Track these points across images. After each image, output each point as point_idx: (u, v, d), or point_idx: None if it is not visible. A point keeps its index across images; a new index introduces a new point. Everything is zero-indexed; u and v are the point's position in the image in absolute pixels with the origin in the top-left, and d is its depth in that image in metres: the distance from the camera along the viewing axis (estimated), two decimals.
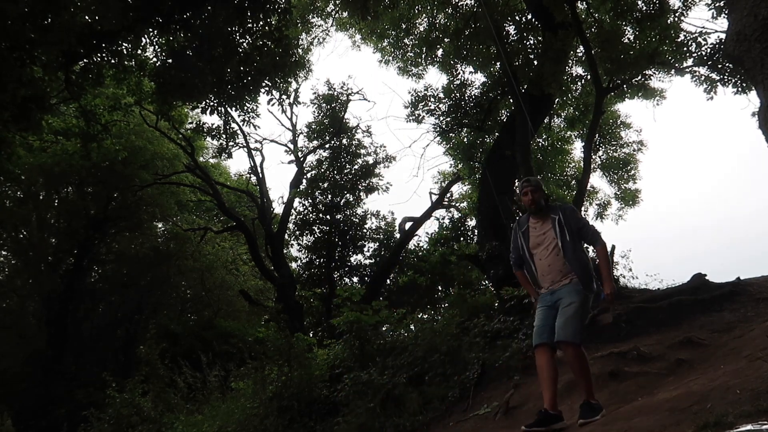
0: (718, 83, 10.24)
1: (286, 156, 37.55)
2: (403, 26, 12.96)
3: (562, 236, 3.84)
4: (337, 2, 12.56)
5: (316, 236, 16.50)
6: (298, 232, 16.84)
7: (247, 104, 9.16)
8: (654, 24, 9.97)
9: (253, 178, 17.73)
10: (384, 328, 8.31)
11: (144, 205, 18.41)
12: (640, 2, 9.84)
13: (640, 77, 11.51)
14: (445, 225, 16.63)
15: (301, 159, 17.37)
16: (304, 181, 16.96)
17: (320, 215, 16.59)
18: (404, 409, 6.14)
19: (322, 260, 16.29)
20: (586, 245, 4.12)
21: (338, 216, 16.46)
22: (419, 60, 13.58)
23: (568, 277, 3.84)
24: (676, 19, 10.36)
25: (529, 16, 11.17)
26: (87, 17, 7.10)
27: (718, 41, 9.69)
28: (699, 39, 10.15)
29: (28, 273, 17.98)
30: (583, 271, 3.83)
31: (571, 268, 3.81)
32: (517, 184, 12.29)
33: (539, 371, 3.84)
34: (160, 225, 21.11)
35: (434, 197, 16.68)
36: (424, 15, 13.13)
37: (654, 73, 11.71)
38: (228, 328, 17.43)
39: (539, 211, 4.02)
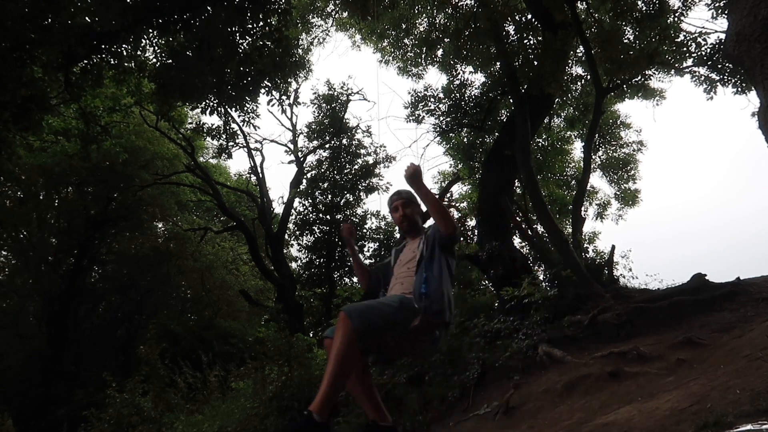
0: (718, 83, 10.24)
1: (286, 156, 37.58)
2: (403, 26, 12.97)
3: (423, 252, 2.97)
4: (337, 2, 12.57)
5: (316, 236, 16.51)
6: (298, 232, 16.85)
7: (247, 104, 9.16)
8: (654, 24, 9.98)
9: (253, 178, 17.73)
10: None
11: (144, 205, 18.42)
12: (640, 2, 9.84)
13: (640, 77, 11.52)
14: None
15: (301, 159, 17.38)
16: (304, 181, 16.96)
17: (320, 215, 16.59)
18: (404, 409, 6.14)
19: (322, 260, 16.30)
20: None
21: (338, 216, 16.46)
22: (419, 60, 13.59)
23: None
24: (676, 19, 10.37)
25: (529, 16, 11.17)
26: (87, 18, 7.11)
27: (717, 41, 9.69)
28: (699, 39, 10.16)
29: (29, 273, 17.99)
30: (435, 295, 2.79)
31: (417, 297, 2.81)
32: (518, 184, 12.34)
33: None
34: (160, 225, 21.13)
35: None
36: (424, 15, 13.13)
37: (654, 73, 11.73)
38: (228, 328, 17.44)
39: (412, 230, 3.22)
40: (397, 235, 16.84)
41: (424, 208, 3.29)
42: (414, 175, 2.96)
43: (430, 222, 3.60)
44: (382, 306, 2.66)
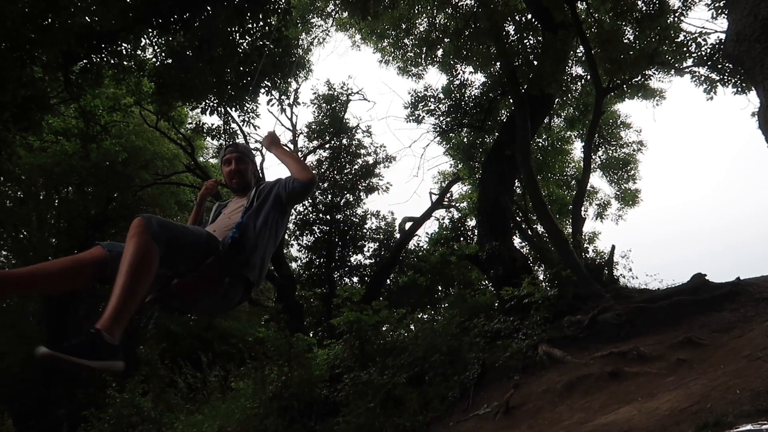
0: (718, 83, 10.25)
1: None
2: (403, 26, 12.97)
3: (252, 202, 2.67)
4: (337, 2, 12.57)
5: (316, 236, 16.51)
6: (298, 232, 16.84)
7: (246, 104, 9.16)
8: (654, 24, 9.98)
9: None
10: (384, 328, 8.31)
11: (144, 205, 18.39)
12: (640, 2, 9.84)
13: (639, 77, 11.52)
14: (445, 225, 16.62)
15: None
16: None
17: (320, 215, 16.59)
18: (404, 409, 6.15)
19: (322, 260, 16.29)
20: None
21: (338, 216, 16.46)
22: (419, 60, 13.59)
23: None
24: (676, 19, 10.37)
25: (529, 16, 11.17)
26: (87, 18, 7.10)
27: (717, 41, 9.69)
28: (699, 39, 10.16)
29: None
30: (247, 244, 2.46)
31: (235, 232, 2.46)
32: (518, 183, 12.34)
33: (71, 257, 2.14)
34: None
35: (434, 197, 16.68)
36: (424, 15, 13.13)
37: (654, 73, 11.73)
38: (228, 328, 17.43)
39: (241, 188, 2.87)
40: (397, 235, 16.86)
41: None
42: (272, 138, 2.85)
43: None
44: (185, 228, 2.28)
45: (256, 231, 2.53)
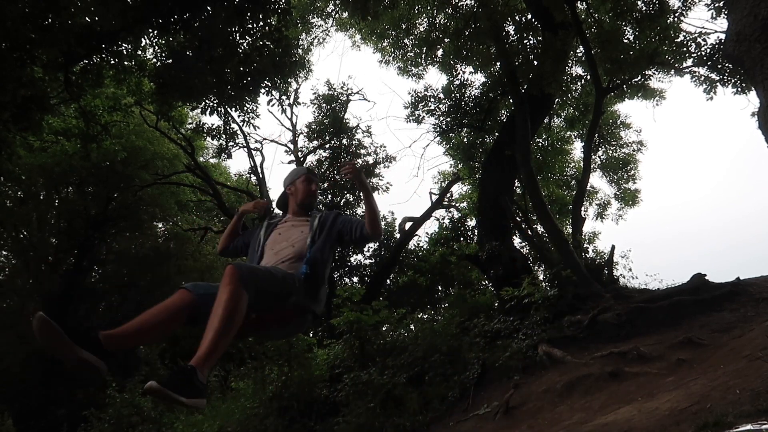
0: (718, 83, 10.25)
1: (286, 156, 37.60)
2: (403, 26, 12.97)
3: (315, 236, 2.83)
4: (337, 2, 12.57)
5: None
6: None
7: (247, 104, 9.16)
8: (654, 24, 9.98)
9: (253, 178, 17.74)
10: (384, 328, 8.32)
11: (144, 205, 18.41)
12: (640, 2, 9.84)
13: (639, 77, 11.52)
14: (445, 225, 16.61)
15: (301, 159, 17.38)
16: None
17: None
18: (404, 409, 6.15)
19: None
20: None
21: None
22: (419, 60, 13.60)
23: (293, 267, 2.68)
24: (676, 19, 10.37)
25: (529, 16, 11.17)
26: (87, 18, 7.10)
27: (717, 41, 9.70)
28: (699, 39, 10.16)
29: (29, 273, 17.99)
30: (313, 283, 2.63)
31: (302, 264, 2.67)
32: (517, 184, 12.33)
33: (159, 305, 2.32)
34: (160, 225, 21.11)
35: (434, 197, 16.68)
36: (424, 15, 13.14)
37: (654, 73, 11.73)
38: None
39: (308, 209, 3.06)
40: (397, 235, 16.86)
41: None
42: (357, 172, 2.90)
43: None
44: (269, 273, 2.42)
45: (322, 265, 2.68)
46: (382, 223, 2.90)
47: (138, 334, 2.16)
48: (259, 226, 3.04)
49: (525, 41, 11.01)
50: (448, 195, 16.86)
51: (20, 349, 16.95)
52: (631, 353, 5.50)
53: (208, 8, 7.59)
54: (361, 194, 3.19)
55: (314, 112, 17.23)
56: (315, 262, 2.65)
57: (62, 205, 18.41)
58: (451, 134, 13.85)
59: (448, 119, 13.37)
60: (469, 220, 15.68)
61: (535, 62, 10.04)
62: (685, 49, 10.41)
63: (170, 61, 8.31)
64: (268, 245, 2.86)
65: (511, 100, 11.45)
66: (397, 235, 16.89)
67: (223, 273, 2.21)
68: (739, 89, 9.79)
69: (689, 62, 10.63)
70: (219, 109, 8.99)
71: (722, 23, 9.75)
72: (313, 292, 2.59)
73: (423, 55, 13.32)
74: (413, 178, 55.41)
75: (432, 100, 13.50)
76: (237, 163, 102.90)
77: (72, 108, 12.07)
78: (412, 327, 8.77)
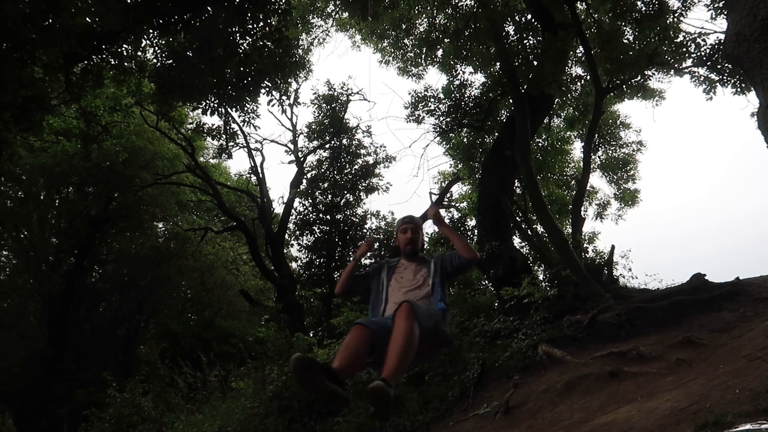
0: (718, 84, 10.25)
1: (286, 156, 37.59)
2: (403, 26, 12.98)
3: (434, 278, 3.33)
4: (337, 2, 12.58)
5: (316, 236, 16.52)
6: (298, 232, 16.85)
7: (247, 105, 9.17)
8: (653, 24, 9.99)
9: (254, 178, 17.75)
10: None
11: (144, 205, 18.43)
12: (639, 2, 9.85)
13: (639, 77, 11.53)
14: None
15: (301, 159, 17.39)
16: (304, 181, 16.97)
17: (320, 215, 16.60)
18: (404, 409, 6.15)
19: (322, 260, 16.30)
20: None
21: (338, 216, 16.47)
22: (419, 60, 13.60)
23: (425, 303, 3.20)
24: (676, 19, 10.37)
25: (529, 16, 11.18)
26: (87, 18, 7.11)
27: (717, 42, 9.70)
28: (698, 39, 10.17)
29: (29, 273, 18.00)
30: (440, 314, 3.14)
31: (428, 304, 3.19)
32: (517, 184, 12.34)
33: (346, 340, 2.81)
34: (160, 225, 21.14)
35: (434, 197, 16.69)
36: (424, 15, 13.14)
37: (653, 73, 11.73)
38: (228, 328, 17.45)
39: (414, 255, 3.50)
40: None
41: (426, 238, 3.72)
42: (438, 216, 3.57)
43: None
44: (428, 312, 2.94)
45: (446, 301, 3.24)
46: (474, 253, 3.45)
47: (349, 369, 2.66)
48: (378, 270, 3.54)
49: (525, 41, 11.02)
50: (448, 195, 16.88)
51: (21, 349, 16.98)
52: (630, 353, 5.51)
53: (209, 9, 7.60)
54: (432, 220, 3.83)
55: (314, 112, 17.27)
56: (444, 300, 3.23)
57: (63, 205, 18.43)
58: (451, 134, 13.86)
59: (448, 119, 13.37)
60: (469, 220, 15.69)
61: (535, 62, 10.04)
62: (684, 49, 10.42)
63: (170, 61, 8.32)
64: (392, 287, 3.36)
65: (511, 100, 11.46)
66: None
67: (399, 309, 2.71)
68: (739, 89, 9.80)
69: (689, 62, 10.64)
70: (219, 109, 8.99)
71: (722, 23, 9.77)
72: (446, 324, 3.19)
73: (423, 55, 13.33)
74: (413, 178, 55.38)
75: (432, 100, 13.51)
76: (237, 163, 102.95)
77: (72, 108, 12.08)
78: None
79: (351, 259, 3.59)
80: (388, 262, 3.59)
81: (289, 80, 10.57)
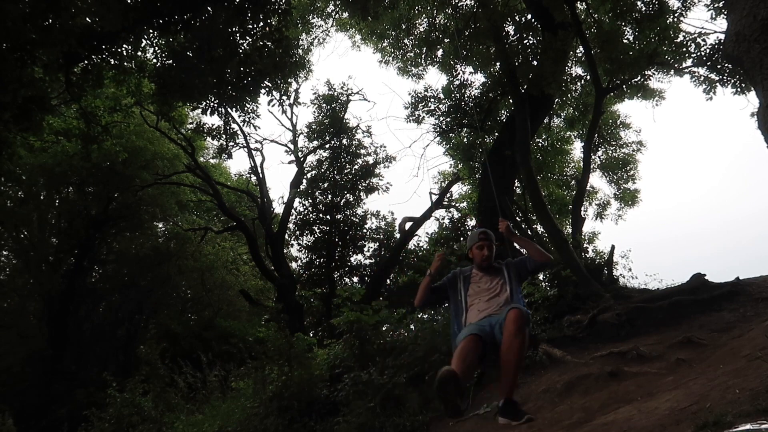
0: (718, 84, 10.25)
1: (286, 156, 37.60)
2: (403, 26, 12.98)
3: (510, 283, 3.60)
4: (338, 3, 12.58)
5: (316, 236, 16.52)
6: (298, 232, 16.85)
7: (247, 105, 9.16)
8: (653, 24, 9.99)
9: (254, 178, 17.74)
10: (384, 328, 8.32)
11: (144, 205, 18.42)
12: (639, 3, 9.85)
13: (639, 77, 11.53)
14: (445, 225, 16.64)
15: (301, 159, 17.39)
16: (304, 181, 16.97)
17: (320, 215, 16.60)
18: (404, 409, 6.15)
19: (322, 260, 16.30)
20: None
21: (338, 216, 16.47)
22: (419, 60, 13.61)
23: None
24: (676, 19, 10.38)
25: (529, 16, 11.18)
26: (87, 18, 7.11)
27: (717, 42, 9.71)
28: (698, 39, 10.18)
29: (29, 273, 17.99)
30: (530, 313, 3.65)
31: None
32: (517, 184, 12.33)
33: (458, 350, 3.15)
34: (160, 225, 21.13)
35: (434, 197, 16.69)
36: (424, 15, 13.14)
37: (653, 73, 11.74)
38: (228, 328, 17.44)
39: (489, 269, 3.73)
40: (397, 235, 16.86)
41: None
42: (508, 229, 3.80)
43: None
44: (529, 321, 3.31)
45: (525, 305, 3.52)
46: (547, 257, 3.77)
47: (465, 377, 2.99)
48: (454, 281, 3.80)
49: (525, 41, 11.02)
50: (448, 195, 16.88)
51: (21, 349, 16.97)
52: (630, 353, 5.51)
53: (209, 9, 7.60)
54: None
55: (314, 112, 17.27)
56: (523, 303, 3.53)
57: (63, 205, 18.43)
58: (451, 134, 13.86)
59: (448, 119, 13.37)
60: (469, 220, 15.69)
61: (535, 62, 10.04)
62: (684, 49, 10.42)
63: (170, 61, 8.32)
64: (471, 296, 3.65)
65: (511, 100, 11.46)
66: (397, 235, 16.90)
67: (507, 319, 3.03)
68: (739, 89, 9.80)
69: (689, 62, 10.65)
70: (219, 109, 8.99)
71: (722, 23, 9.77)
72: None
73: (423, 56, 13.33)
74: (413, 178, 55.41)
75: (432, 100, 13.52)
76: (237, 163, 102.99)
77: (72, 108, 12.08)
78: (412, 327, 8.76)
79: (428, 273, 3.86)
80: (462, 271, 3.84)
81: (289, 80, 10.57)
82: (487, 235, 3.85)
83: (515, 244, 4.04)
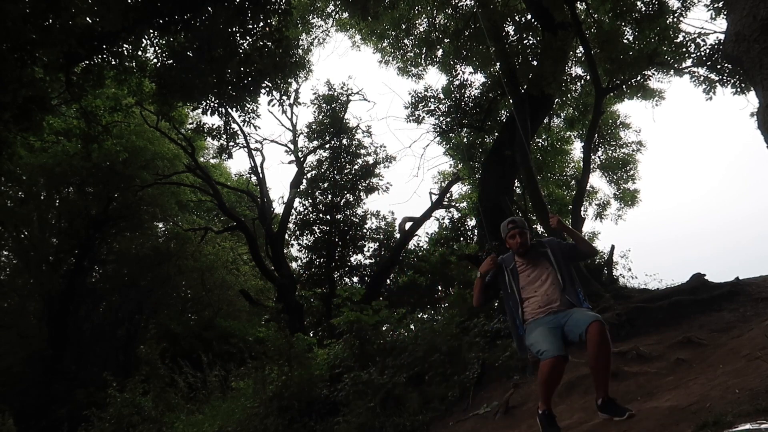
0: (717, 84, 10.25)
1: (286, 156, 37.60)
2: (403, 27, 12.98)
3: (560, 270, 3.71)
4: (338, 3, 12.58)
5: (316, 236, 16.52)
6: (298, 232, 16.85)
7: (247, 105, 9.17)
8: (653, 24, 9.98)
9: (254, 178, 17.75)
10: (384, 328, 8.32)
11: (144, 205, 18.43)
12: (639, 3, 9.85)
13: (639, 77, 11.52)
14: (445, 225, 16.65)
15: (302, 159, 17.39)
16: (305, 181, 16.97)
17: (320, 215, 16.60)
18: (404, 409, 6.16)
19: (322, 260, 16.30)
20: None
21: (338, 216, 16.47)
22: (419, 60, 13.61)
23: (569, 308, 3.63)
24: (675, 19, 10.37)
25: (529, 16, 11.18)
26: (88, 18, 7.11)
27: (717, 42, 9.70)
28: (698, 39, 10.17)
29: (29, 273, 18.00)
30: (581, 300, 3.67)
31: (569, 303, 3.60)
32: (517, 184, 12.33)
33: (542, 376, 3.43)
34: (160, 225, 21.14)
35: (434, 197, 16.70)
36: (423, 15, 13.14)
37: (653, 73, 11.73)
38: (228, 327, 17.45)
39: (527, 253, 3.86)
40: (397, 235, 16.87)
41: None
42: (560, 223, 3.89)
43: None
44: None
45: (575, 288, 3.68)
46: (593, 248, 4.01)
47: (550, 392, 3.55)
48: (501, 273, 3.89)
49: (525, 41, 11.02)
50: (448, 195, 16.88)
51: (21, 349, 16.97)
52: (630, 353, 5.50)
53: (209, 8, 7.60)
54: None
55: (314, 112, 17.28)
56: (578, 287, 3.70)
57: (63, 205, 18.43)
58: (451, 134, 13.86)
59: (448, 119, 13.38)
60: (469, 220, 15.71)
61: (535, 62, 10.04)
62: (684, 49, 10.42)
63: (171, 61, 8.32)
64: (524, 289, 3.76)
65: (511, 100, 11.46)
66: (397, 235, 16.90)
67: (590, 332, 3.31)
68: (738, 89, 9.80)
69: (688, 62, 10.64)
70: (219, 109, 8.99)
71: (721, 23, 9.77)
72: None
73: (423, 56, 13.33)
74: (413, 178, 55.55)
75: (432, 100, 13.52)
76: (237, 163, 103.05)
77: (73, 108, 12.08)
78: (412, 327, 8.77)
79: (478, 275, 3.97)
80: (504, 261, 3.92)
81: (289, 80, 10.58)
82: (516, 222, 3.93)
83: (564, 234, 4.12)
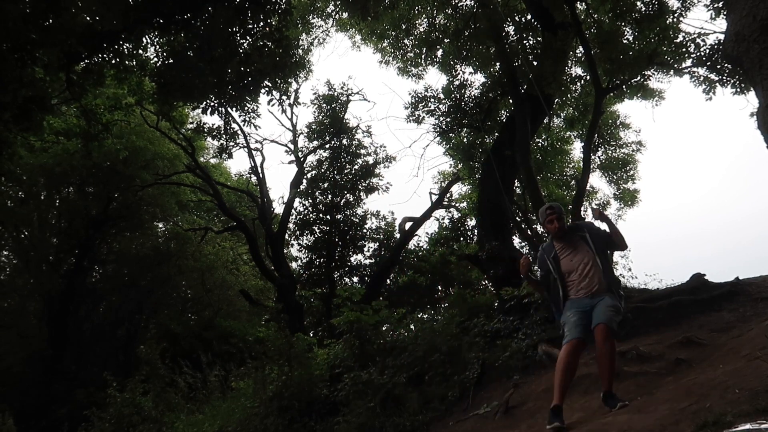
0: (717, 84, 10.24)
1: (286, 156, 37.57)
2: (403, 27, 12.98)
3: (597, 253, 4.03)
4: (338, 3, 12.58)
5: (316, 236, 16.52)
6: (298, 232, 16.85)
7: (247, 105, 9.17)
8: (653, 25, 9.98)
9: (254, 178, 17.75)
10: (384, 328, 8.32)
11: (144, 205, 18.43)
12: (639, 3, 9.85)
13: (639, 78, 11.52)
14: (445, 225, 16.65)
15: (302, 159, 17.39)
16: (305, 181, 16.98)
17: (320, 215, 16.60)
18: (404, 409, 6.15)
19: (322, 260, 16.30)
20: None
21: (338, 216, 16.47)
22: (419, 60, 13.61)
23: (606, 291, 3.98)
24: (675, 19, 10.37)
25: (529, 17, 11.18)
26: (88, 18, 7.11)
27: (716, 42, 9.70)
28: (698, 40, 10.16)
29: (29, 273, 18.00)
30: (616, 286, 4.03)
31: (607, 285, 3.96)
32: (518, 185, 12.34)
33: (560, 362, 3.83)
34: (160, 225, 21.14)
35: (434, 197, 16.70)
36: (423, 15, 13.15)
37: (653, 73, 11.73)
38: (228, 327, 17.45)
39: (564, 237, 4.18)
40: (397, 235, 16.87)
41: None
42: (601, 213, 4.21)
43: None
44: (617, 311, 3.87)
45: (610, 271, 4.03)
46: (626, 245, 4.27)
47: (566, 387, 3.90)
48: (545, 265, 4.18)
49: (525, 41, 11.02)
50: (448, 195, 16.88)
51: (21, 349, 16.98)
52: (630, 353, 5.50)
53: (209, 8, 7.60)
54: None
55: (314, 112, 17.28)
56: (611, 279, 4.04)
57: (63, 205, 18.44)
58: (451, 134, 13.86)
59: (448, 119, 13.37)
60: (469, 220, 15.71)
61: (535, 62, 10.04)
62: (684, 49, 10.41)
63: (171, 61, 8.32)
64: (566, 273, 4.08)
65: (511, 100, 11.46)
66: (397, 235, 16.90)
67: (596, 333, 3.75)
68: (738, 89, 9.79)
69: (688, 62, 10.64)
70: (219, 109, 8.99)
71: (721, 24, 9.77)
72: (620, 296, 4.06)
73: (423, 56, 13.33)
74: (413, 178, 55.46)
75: (432, 100, 13.51)
76: (237, 163, 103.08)
77: (73, 108, 12.08)
78: (412, 327, 8.77)
79: (525, 281, 4.65)
80: (545, 251, 4.21)
81: (289, 80, 10.57)
82: (554, 208, 4.23)
83: (603, 225, 4.32)
